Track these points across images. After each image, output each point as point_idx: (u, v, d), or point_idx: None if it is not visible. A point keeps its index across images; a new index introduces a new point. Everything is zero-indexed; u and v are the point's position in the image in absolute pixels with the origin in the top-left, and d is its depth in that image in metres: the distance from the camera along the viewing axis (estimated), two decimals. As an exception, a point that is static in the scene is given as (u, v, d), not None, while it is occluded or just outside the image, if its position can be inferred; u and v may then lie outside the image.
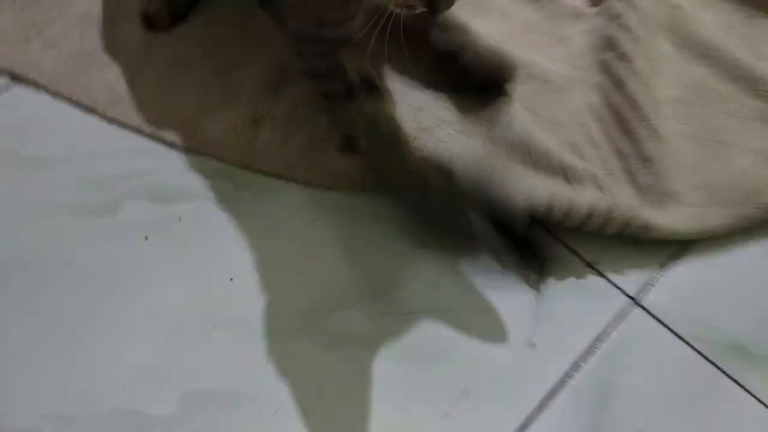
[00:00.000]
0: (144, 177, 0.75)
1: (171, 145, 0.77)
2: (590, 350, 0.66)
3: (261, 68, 0.80)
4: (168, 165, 0.75)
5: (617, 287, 0.69)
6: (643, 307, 0.68)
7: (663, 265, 0.70)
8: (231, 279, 0.69)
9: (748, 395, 0.64)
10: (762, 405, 0.63)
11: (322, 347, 0.66)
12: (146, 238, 0.72)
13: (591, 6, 0.85)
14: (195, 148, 0.77)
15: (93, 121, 0.78)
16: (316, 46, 0.72)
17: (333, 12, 0.67)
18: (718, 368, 0.65)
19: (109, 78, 0.80)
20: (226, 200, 0.74)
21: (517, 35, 0.81)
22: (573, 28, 0.83)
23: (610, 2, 0.82)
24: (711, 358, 0.65)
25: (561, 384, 0.64)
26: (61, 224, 0.72)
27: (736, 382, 0.64)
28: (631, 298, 0.68)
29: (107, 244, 0.71)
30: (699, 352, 0.65)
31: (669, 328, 0.67)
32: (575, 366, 0.65)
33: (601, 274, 0.70)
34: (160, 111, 0.78)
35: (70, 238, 0.72)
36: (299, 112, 0.78)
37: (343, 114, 0.75)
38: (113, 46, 0.82)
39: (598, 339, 0.66)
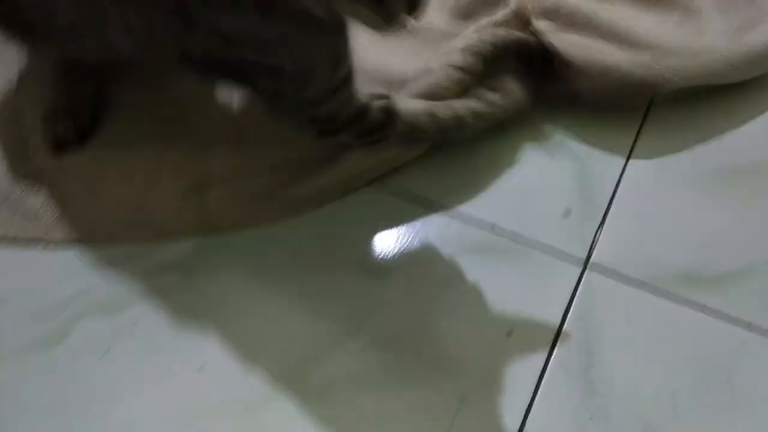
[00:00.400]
0: (90, 293, 0.73)
1: (125, 246, 0.76)
2: (562, 322, 0.69)
3: (182, 138, 0.82)
4: (111, 274, 0.74)
5: (563, 256, 0.73)
6: (594, 268, 0.72)
7: (599, 223, 0.75)
8: (204, 364, 0.69)
9: (711, 318, 0.68)
10: (724, 323, 0.68)
11: (317, 401, 0.66)
12: (107, 352, 0.70)
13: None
14: (150, 238, 0.76)
15: (26, 253, 0.77)
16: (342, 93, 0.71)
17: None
18: (679, 300, 0.69)
19: (35, 207, 0.79)
20: (177, 293, 0.73)
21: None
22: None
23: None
24: (670, 292, 0.69)
25: (547, 361, 0.66)
26: (17, 365, 0.70)
27: (697, 308, 0.69)
28: (581, 263, 0.72)
29: (70, 370, 0.69)
30: (658, 291, 0.70)
31: (624, 278, 0.71)
32: (554, 340, 0.68)
33: (544, 251, 0.74)
34: (100, 217, 0.78)
35: (30, 376, 0.69)
36: (242, 162, 0.79)
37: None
38: (31, 178, 0.82)
39: (566, 309, 0.69)
